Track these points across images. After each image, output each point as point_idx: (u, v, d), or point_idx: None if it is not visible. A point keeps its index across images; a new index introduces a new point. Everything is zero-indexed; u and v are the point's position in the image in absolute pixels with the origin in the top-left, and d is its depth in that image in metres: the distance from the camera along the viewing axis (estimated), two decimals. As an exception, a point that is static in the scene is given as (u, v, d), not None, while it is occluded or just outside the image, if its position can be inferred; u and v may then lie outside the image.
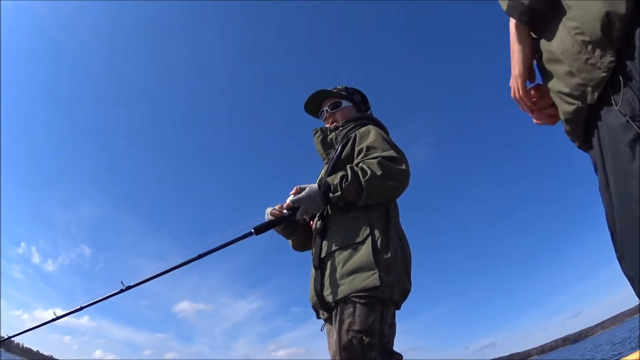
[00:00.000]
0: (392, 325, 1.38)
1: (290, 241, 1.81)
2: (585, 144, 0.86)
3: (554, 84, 0.83)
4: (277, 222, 1.56)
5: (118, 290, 1.65)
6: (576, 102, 0.78)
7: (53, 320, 1.78)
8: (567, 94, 0.79)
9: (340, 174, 1.48)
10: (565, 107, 0.82)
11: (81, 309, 1.73)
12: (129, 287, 1.65)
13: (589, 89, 0.73)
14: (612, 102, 0.71)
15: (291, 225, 1.70)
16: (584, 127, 0.83)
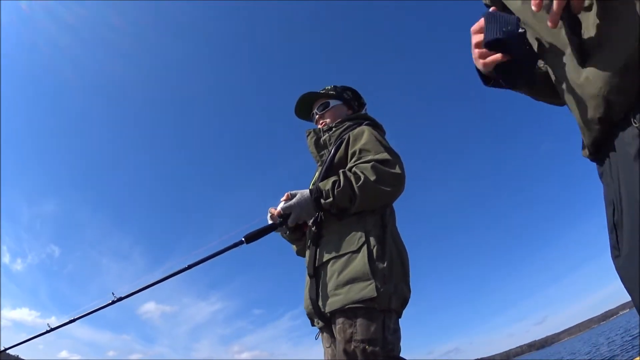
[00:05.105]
0: (396, 331, 1.35)
1: (294, 247, 1.77)
2: (595, 155, 0.89)
3: (578, 112, 0.84)
4: (268, 231, 1.52)
5: (109, 302, 1.63)
6: (600, 125, 0.81)
7: (48, 331, 1.77)
8: (595, 119, 0.81)
9: (332, 179, 1.44)
10: (590, 133, 0.85)
11: (73, 320, 1.71)
12: (120, 299, 1.62)
13: (617, 108, 0.77)
14: (632, 121, 0.75)
15: (299, 231, 1.66)
16: (599, 143, 0.86)
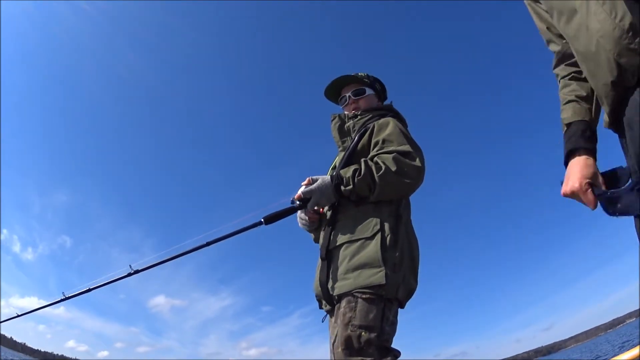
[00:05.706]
0: (394, 324, 1.37)
1: (312, 235, 1.79)
2: (616, 127, 0.90)
3: (595, 79, 0.85)
4: (288, 213, 1.54)
5: (126, 274, 1.65)
6: (614, 91, 0.81)
7: (62, 300, 1.79)
8: (609, 83, 0.81)
9: (353, 167, 1.46)
10: (607, 100, 0.84)
11: (90, 290, 1.74)
12: (136, 271, 1.65)
13: (630, 72, 0.77)
14: None
15: (316, 221, 1.69)
16: (618, 111, 0.86)
